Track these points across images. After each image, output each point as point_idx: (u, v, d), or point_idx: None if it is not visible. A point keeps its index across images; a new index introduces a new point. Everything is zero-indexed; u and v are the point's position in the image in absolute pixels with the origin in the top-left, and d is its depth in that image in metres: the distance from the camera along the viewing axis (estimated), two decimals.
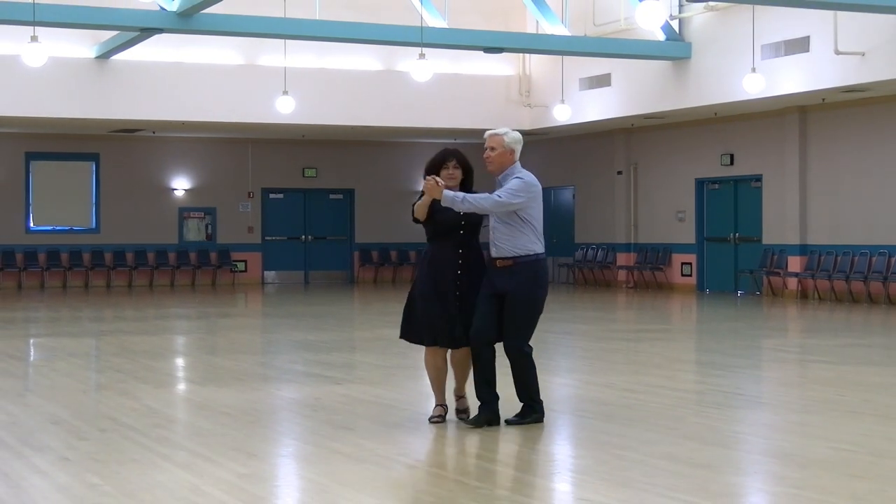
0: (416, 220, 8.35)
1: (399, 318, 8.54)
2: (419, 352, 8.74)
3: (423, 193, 8.20)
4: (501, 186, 8.26)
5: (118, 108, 24.26)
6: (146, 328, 17.46)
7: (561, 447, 8.02)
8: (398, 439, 7.93)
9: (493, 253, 8.29)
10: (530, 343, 8.39)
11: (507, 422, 8.29)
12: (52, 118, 24.36)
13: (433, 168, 8.31)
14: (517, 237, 8.21)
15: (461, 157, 8.43)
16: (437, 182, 8.06)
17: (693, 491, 6.35)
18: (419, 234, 8.87)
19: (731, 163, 25.04)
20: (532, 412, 8.38)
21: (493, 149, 8.28)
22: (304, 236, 31.18)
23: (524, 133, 30.00)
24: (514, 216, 8.18)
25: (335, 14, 22.42)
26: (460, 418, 8.43)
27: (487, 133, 8.38)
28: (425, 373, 8.57)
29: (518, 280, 8.19)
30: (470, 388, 8.45)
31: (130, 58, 23.77)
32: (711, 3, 21.68)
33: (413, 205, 8.32)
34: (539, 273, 8.34)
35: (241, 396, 9.93)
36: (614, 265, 27.98)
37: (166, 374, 12.17)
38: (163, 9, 19.78)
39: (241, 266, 30.17)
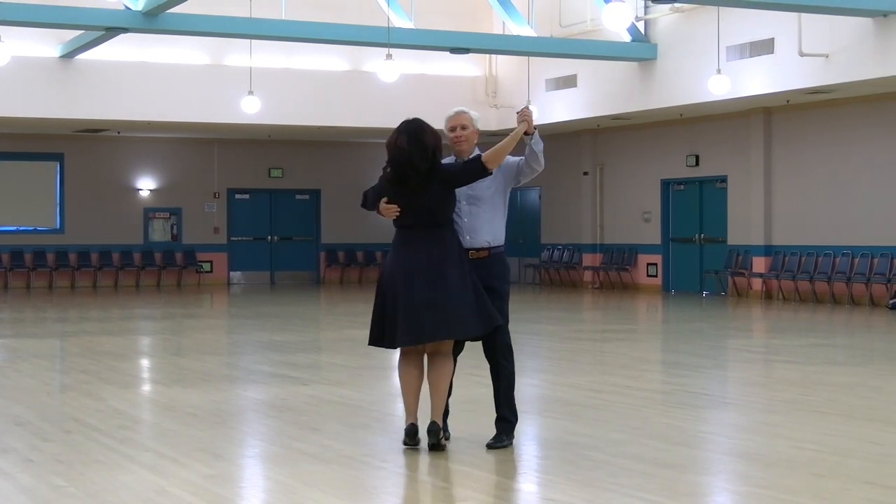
0: (485, 172, 7.36)
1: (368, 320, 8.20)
2: (385, 353, 8.70)
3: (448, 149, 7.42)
4: None
5: (82, 108, 24.13)
6: (111, 329, 17.37)
7: (527, 447, 8.02)
8: (364, 440, 7.92)
9: (467, 242, 7.46)
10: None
11: (488, 446, 7.51)
12: (15, 118, 24.19)
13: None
14: (496, 224, 7.55)
15: None
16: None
17: (659, 491, 6.37)
18: (386, 235, 8.60)
19: (697, 164, 25.15)
20: (510, 427, 7.62)
21: (464, 127, 7.59)
22: (270, 237, 31.12)
23: (490, 134, 30.10)
24: (501, 199, 7.61)
25: (301, 14, 22.38)
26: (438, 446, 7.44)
27: (454, 111, 7.66)
28: (394, 373, 8.37)
29: (495, 273, 7.52)
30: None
31: (95, 57, 23.64)
32: (677, 5, 21.75)
33: (478, 156, 7.39)
34: (508, 265, 7.74)
35: (206, 397, 9.90)
36: (580, 266, 28.05)
37: (131, 375, 12.11)
38: (128, 8, 19.70)
39: (206, 267, 30.07)
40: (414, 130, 7.37)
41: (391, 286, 7.39)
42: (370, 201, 7.51)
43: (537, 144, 7.48)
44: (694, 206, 25.59)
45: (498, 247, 7.55)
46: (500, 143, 7.38)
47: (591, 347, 14.98)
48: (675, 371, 12.25)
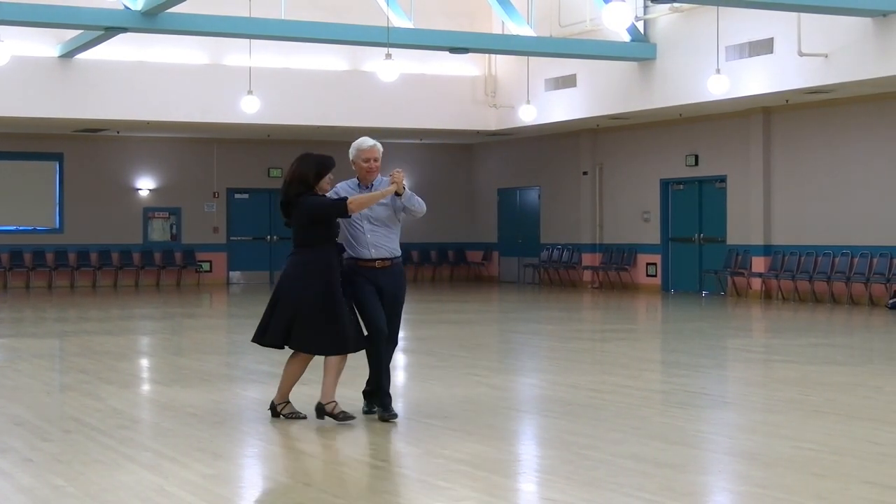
0: (343, 214, 8.48)
1: None
2: None
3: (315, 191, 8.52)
4: (367, 192, 8.66)
5: (82, 108, 24.12)
6: (110, 329, 17.36)
7: (526, 447, 8.03)
8: (363, 440, 7.92)
9: (372, 254, 8.64)
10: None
11: (389, 419, 8.54)
12: (14, 117, 24.19)
13: (325, 169, 8.67)
14: (394, 239, 8.76)
15: None
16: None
17: (658, 490, 6.38)
18: None
19: (696, 163, 25.15)
20: (389, 401, 8.64)
21: (376, 160, 8.76)
22: (269, 236, 31.10)
23: (490, 133, 29.97)
24: (395, 220, 8.75)
25: (301, 14, 22.38)
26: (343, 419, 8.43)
27: (369, 145, 8.78)
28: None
29: (398, 280, 8.74)
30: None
31: (94, 57, 23.64)
32: (676, 5, 21.75)
33: (344, 199, 8.46)
34: (404, 273, 8.97)
35: (206, 397, 9.90)
36: (580, 265, 28.05)
37: (131, 375, 12.11)
38: (127, 8, 19.69)
39: (206, 266, 30.07)
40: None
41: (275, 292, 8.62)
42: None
43: (409, 201, 8.66)
44: (693, 205, 25.59)
45: (398, 257, 8.80)
46: (369, 195, 8.57)
47: (591, 347, 14.98)
48: (675, 371, 12.25)
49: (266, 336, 8.55)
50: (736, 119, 23.87)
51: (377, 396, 8.63)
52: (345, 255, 8.65)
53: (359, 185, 8.76)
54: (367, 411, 8.73)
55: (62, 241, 28.79)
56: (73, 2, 20.71)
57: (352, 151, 8.80)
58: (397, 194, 8.58)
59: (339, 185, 8.79)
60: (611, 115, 24.64)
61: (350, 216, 8.51)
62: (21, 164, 28.75)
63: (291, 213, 8.51)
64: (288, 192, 8.53)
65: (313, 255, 8.43)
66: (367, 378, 8.74)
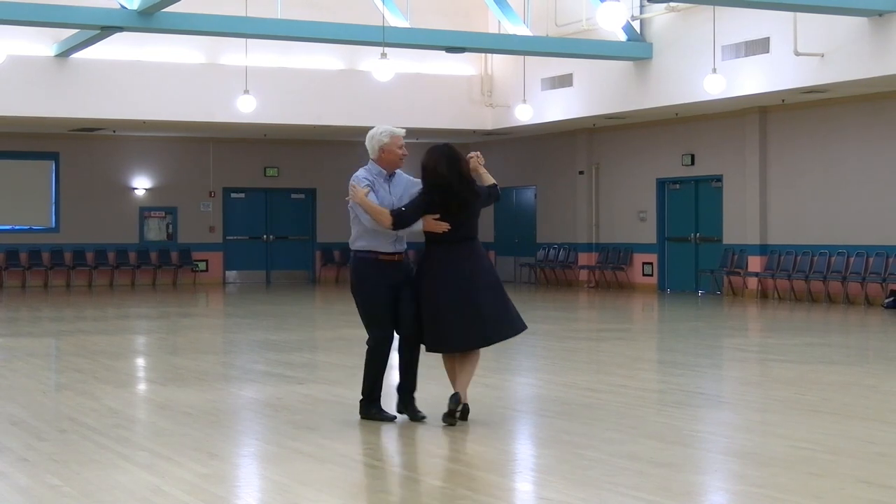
0: (498, 198, 8.61)
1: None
2: None
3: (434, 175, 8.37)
4: (389, 182, 8.46)
5: (78, 107, 24.11)
6: (106, 328, 17.36)
7: (523, 446, 8.03)
8: (360, 439, 7.92)
9: (396, 248, 8.46)
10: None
11: (394, 417, 8.50)
12: (11, 117, 24.17)
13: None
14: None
15: None
16: None
17: (654, 490, 6.38)
18: None
19: (692, 163, 25.16)
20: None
21: (402, 147, 8.55)
22: (265, 236, 31.11)
23: (486, 133, 29.94)
24: None
25: (296, 13, 22.39)
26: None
27: (401, 131, 8.54)
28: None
29: (410, 274, 8.53)
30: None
31: (90, 56, 23.63)
32: (672, 4, 21.77)
33: (495, 184, 8.57)
34: None
35: (202, 396, 9.90)
36: (576, 265, 28.05)
37: (127, 374, 12.11)
38: (123, 7, 19.68)
39: (202, 266, 30.06)
40: (452, 158, 8.29)
41: (446, 295, 8.23)
42: (408, 218, 8.28)
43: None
44: (689, 205, 25.60)
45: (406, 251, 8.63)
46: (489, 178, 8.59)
47: (587, 346, 14.98)
48: (671, 370, 12.26)
49: (490, 332, 8.27)
50: (732, 119, 23.88)
51: (408, 395, 8.49)
52: (358, 248, 8.45)
53: (386, 173, 8.47)
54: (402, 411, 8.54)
55: (58, 241, 28.78)
56: (69, 1, 20.70)
57: (384, 137, 8.39)
58: None
59: (359, 172, 8.47)
60: (607, 115, 24.65)
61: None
62: (17, 164, 28.73)
63: (467, 207, 8.32)
64: (471, 184, 8.34)
65: (480, 243, 8.52)
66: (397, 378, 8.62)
